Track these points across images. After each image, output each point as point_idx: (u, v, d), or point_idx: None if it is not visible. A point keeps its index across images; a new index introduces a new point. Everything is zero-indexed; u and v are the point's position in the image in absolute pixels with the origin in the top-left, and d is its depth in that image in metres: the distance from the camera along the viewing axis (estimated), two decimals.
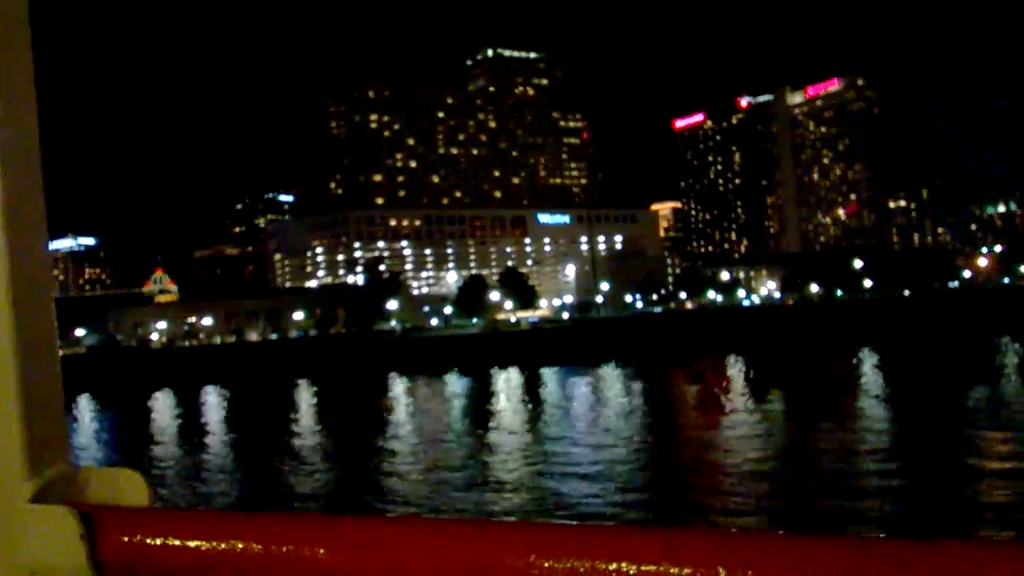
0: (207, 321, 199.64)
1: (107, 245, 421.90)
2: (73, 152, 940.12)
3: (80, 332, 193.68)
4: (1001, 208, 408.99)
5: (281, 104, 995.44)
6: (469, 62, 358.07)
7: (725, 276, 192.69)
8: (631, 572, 1.46)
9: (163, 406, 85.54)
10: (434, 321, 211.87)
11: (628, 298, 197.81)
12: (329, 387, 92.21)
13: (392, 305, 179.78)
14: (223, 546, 1.83)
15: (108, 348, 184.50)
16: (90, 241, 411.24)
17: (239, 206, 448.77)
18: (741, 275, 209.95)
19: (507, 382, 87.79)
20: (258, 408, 73.59)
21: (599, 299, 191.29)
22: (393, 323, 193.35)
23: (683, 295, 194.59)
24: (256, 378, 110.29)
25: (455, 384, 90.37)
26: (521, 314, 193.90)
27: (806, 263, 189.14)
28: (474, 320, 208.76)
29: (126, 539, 1.90)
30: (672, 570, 1.43)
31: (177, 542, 1.87)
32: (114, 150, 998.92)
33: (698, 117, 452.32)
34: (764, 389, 61.92)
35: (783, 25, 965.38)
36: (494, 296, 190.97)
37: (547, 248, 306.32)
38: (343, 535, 1.76)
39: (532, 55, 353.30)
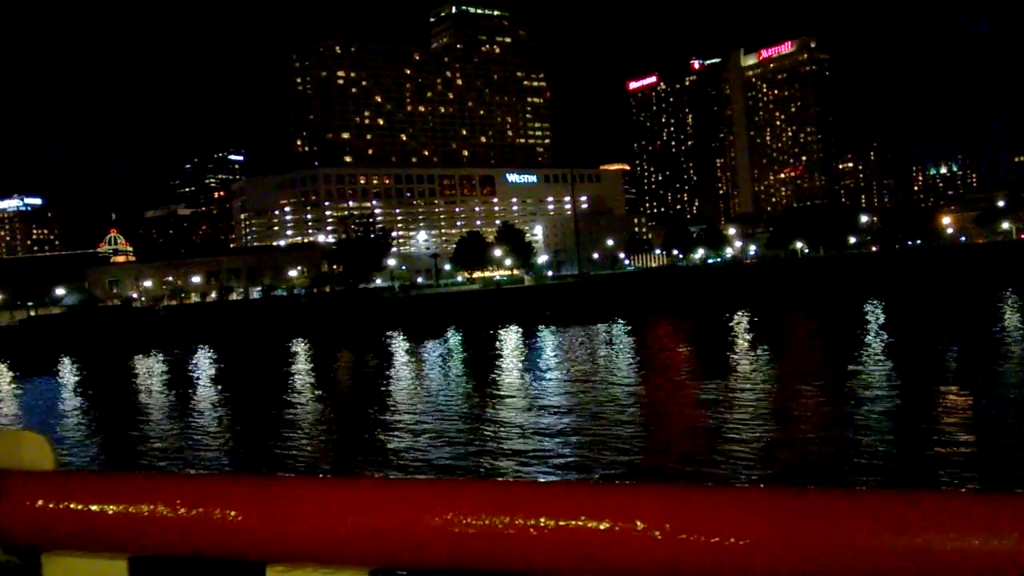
0: (196, 279, 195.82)
1: (55, 205, 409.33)
2: (20, 112, 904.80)
3: (60, 291, 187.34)
4: (944, 170, 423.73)
5: (232, 60, 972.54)
6: (433, 19, 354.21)
7: (732, 231, 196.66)
8: (549, 525, 1.50)
9: (153, 368, 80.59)
10: (419, 279, 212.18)
11: (620, 255, 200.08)
12: (326, 347, 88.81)
13: (392, 262, 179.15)
14: (131, 509, 1.77)
15: (89, 308, 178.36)
16: (37, 201, 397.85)
17: (188, 166, 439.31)
18: (730, 231, 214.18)
19: (509, 340, 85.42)
20: (253, 370, 69.99)
21: (595, 256, 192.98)
22: (379, 281, 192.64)
23: (676, 252, 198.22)
24: (249, 338, 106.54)
25: (456, 342, 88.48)
26: (490, 273, 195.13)
27: (793, 220, 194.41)
28: (459, 278, 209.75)
29: (28, 503, 1.84)
30: (590, 523, 1.48)
31: (83, 506, 1.81)
32: (61, 109, 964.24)
33: (651, 79, 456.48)
34: (775, 346, 60.64)
35: None
36: (482, 253, 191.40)
37: (515, 208, 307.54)
38: (258, 496, 1.73)
39: (496, 13, 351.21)
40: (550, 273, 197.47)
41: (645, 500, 1.49)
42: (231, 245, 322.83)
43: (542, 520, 1.51)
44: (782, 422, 31.89)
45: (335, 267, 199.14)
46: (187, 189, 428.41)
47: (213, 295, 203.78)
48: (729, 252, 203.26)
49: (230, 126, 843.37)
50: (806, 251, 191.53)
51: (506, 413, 38.15)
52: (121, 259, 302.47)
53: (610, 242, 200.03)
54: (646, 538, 1.44)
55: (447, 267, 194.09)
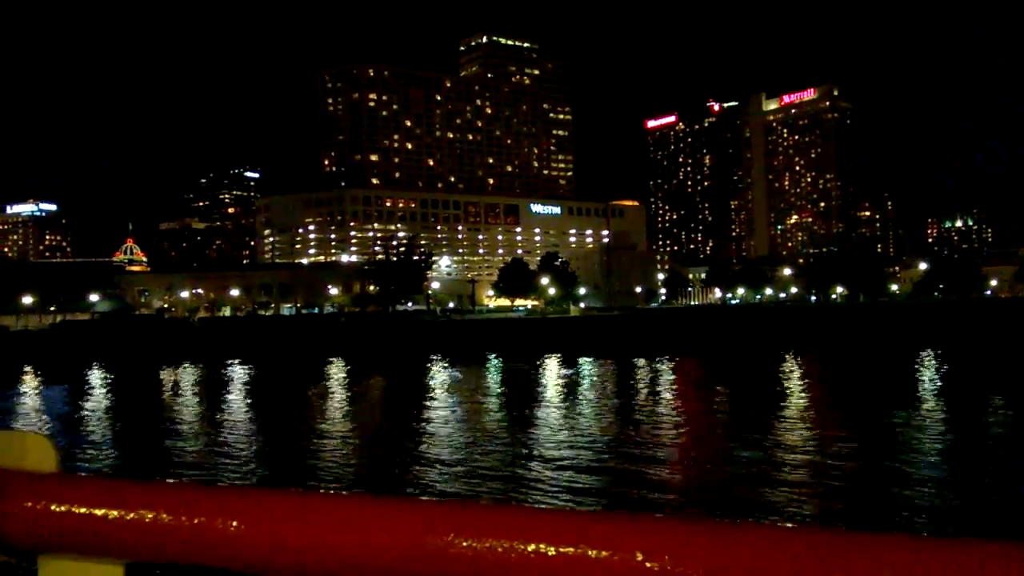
0: (234, 292, 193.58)
1: (69, 212, 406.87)
2: (38, 117, 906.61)
3: (94, 297, 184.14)
4: (959, 223, 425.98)
5: (254, 77, 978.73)
6: (463, 47, 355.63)
7: (787, 272, 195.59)
8: (550, 553, 1.49)
9: (186, 381, 78.58)
10: (451, 304, 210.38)
11: (651, 291, 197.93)
12: (365, 369, 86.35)
13: (436, 285, 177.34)
14: (131, 515, 1.77)
15: (122, 315, 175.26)
16: (52, 207, 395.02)
17: (203, 180, 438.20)
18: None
19: (550, 370, 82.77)
20: (288, 387, 67.72)
21: (637, 290, 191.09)
22: (410, 304, 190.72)
23: (717, 291, 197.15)
24: (285, 355, 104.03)
25: (497, 370, 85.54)
26: (511, 302, 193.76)
27: (831, 263, 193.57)
28: (491, 305, 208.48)
29: (29, 505, 1.84)
30: (590, 552, 1.46)
31: (83, 510, 1.80)
32: (80, 117, 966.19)
33: (670, 118, 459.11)
34: (823, 390, 58.39)
35: (762, 33, 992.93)
36: (526, 281, 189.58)
37: (537, 238, 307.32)
38: (258, 508, 1.73)
39: (526, 44, 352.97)
40: (583, 305, 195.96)
41: (645, 531, 1.48)
42: (244, 261, 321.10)
43: (541, 546, 1.51)
44: (814, 468, 30.96)
45: (370, 287, 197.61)
46: (201, 203, 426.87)
47: (238, 310, 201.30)
48: (768, 292, 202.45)
49: (247, 143, 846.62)
50: (844, 295, 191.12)
51: (536, 443, 37.08)
52: (136, 269, 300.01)
53: (658, 276, 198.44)
54: (644, 570, 1.43)
55: (490, 293, 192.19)
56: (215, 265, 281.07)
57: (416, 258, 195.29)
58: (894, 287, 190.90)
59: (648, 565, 1.42)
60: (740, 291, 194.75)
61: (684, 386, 65.13)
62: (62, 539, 1.83)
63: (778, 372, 75.93)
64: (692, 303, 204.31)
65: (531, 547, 1.50)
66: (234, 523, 1.70)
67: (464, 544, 1.54)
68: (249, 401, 59.67)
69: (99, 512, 1.79)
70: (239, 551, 1.70)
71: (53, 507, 1.82)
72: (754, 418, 43.75)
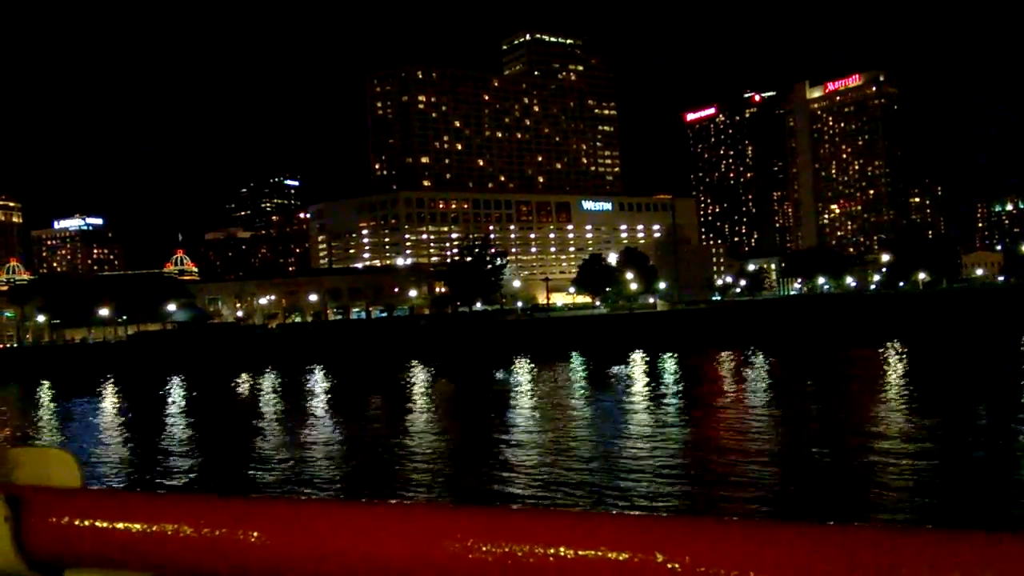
0: (313, 297, 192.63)
1: (115, 226, 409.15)
2: (82, 133, 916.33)
3: (171, 307, 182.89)
4: (1009, 207, 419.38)
5: (290, 86, 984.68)
6: (505, 46, 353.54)
7: (885, 258, 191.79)
8: (569, 556, 1.49)
9: (271, 390, 77.05)
10: (519, 304, 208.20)
11: (739, 284, 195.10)
12: (448, 371, 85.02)
13: (516, 284, 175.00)
14: (154, 528, 1.79)
15: (199, 324, 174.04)
16: (98, 221, 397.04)
17: (244, 190, 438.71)
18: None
19: (635, 366, 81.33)
20: (372, 392, 67.11)
21: (721, 282, 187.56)
22: (478, 304, 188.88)
23: (798, 282, 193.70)
24: (366, 359, 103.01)
25: (585, 369, 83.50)
26: (591, 299, 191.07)
27: (913, 248, 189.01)
28: (560, 302, 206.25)
29: (54, 521, 1.86)
30: (610, 554, 1.46)
31: (107, 524, 1.83)
32: (124, 132, 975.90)
33: (710, 110, 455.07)
34: (925, 380, 56.27)
35: (799, 22, 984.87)
36: (607, 276, 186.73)
37: (588, 235, 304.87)
38: (279, 519, 1.75)
39: (569, 41, 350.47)
40: (652, 300, 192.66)
41: (666, 532, 1.48)
42: (290, 268, 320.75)
43: (561, 549, 1.50)
44: (909, 462, 29.62)
45: (439, 288, 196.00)
46: (243, 212, 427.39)
47: (319, 315, 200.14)
48: (847, 280, 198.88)
49: (284, 151, 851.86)
50: (925, 282, 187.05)
51: (622, 447, 35.68)
52: (187, 279, 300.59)
53: (727, 279, 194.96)
54: (666, 571, 1.42)
55: (572, 290, 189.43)
56: (270, 272, 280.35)
57: (488, 257, 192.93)
58: (979, 271, 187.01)
59: (669, 567, 1.41)
60: (820, 280, 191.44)
61: (783, 381, 62.24)
62: (87, 553, 1.85)
63: (910, 363, 72.69)
64: (768, 294, 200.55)
65: (551, 550, 1.51)
66: (255, 534, 1.71)
67: (482, 548, 1.55)
68: (341, 409, 58.07)
69: (122, 526, 1.81)
70: (261, 562, 1.71)
71: (77, 522, 1.84)
72: (878, 414, 41.52)
